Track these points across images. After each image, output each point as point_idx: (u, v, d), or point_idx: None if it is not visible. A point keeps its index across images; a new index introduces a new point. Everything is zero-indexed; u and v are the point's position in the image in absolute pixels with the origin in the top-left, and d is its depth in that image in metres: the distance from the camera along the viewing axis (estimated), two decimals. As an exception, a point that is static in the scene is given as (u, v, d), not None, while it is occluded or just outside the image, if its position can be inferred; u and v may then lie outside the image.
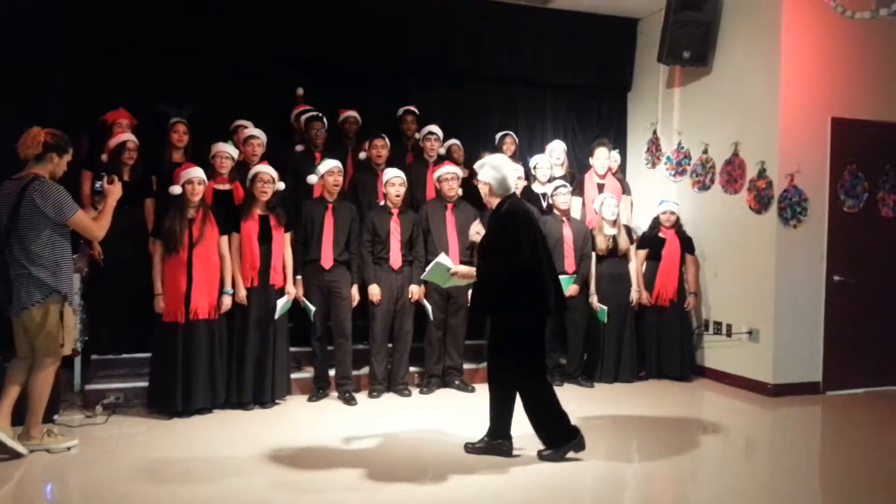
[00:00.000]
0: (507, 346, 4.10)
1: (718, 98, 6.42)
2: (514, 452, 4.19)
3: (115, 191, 4.24)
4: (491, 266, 4.08)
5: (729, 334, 6.20)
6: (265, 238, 5.08)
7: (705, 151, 6.54)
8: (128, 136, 5.32)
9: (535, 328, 4.09)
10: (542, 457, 4.13)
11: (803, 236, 5.87)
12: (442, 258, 4.40)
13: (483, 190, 4.21)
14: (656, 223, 6.36)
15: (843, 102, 5.94)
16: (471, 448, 4.26)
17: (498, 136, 6.71)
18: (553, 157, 6.51)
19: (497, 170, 4.12)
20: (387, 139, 5.98)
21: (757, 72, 6.00)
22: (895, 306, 6.17)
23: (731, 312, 6.18)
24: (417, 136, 6.46)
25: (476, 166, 4.33)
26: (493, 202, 4.17)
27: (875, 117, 6.02)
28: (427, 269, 4.52)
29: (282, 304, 5.09)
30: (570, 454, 4.12)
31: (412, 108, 6.57)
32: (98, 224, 4.18)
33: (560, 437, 4.11)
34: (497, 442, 4.22)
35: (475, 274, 4.22)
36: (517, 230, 3.99)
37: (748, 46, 6.11)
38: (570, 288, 5.78)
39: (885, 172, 6.12)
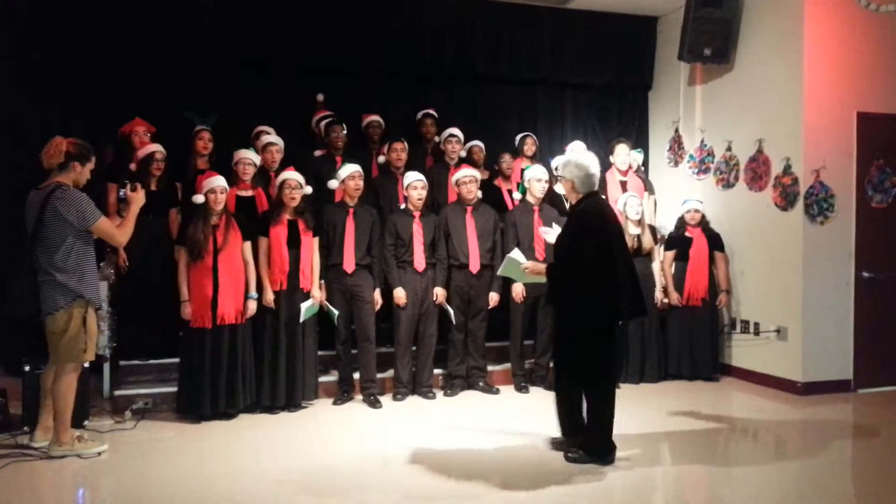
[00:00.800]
0: (573, 347, 4.07)
1: (741, 95, 6.35)
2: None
3: (138, 198, 4.30)
4: (560, 266, 4.09)
5: (757, 332, 6.12)
6: (294, 242, 5.12)
7: (729, 149, 6.48)
8: (156, 147, 5.40)
9: (602, 331, 4.03)
10: (568, 458, 4.11)
11: (830, 233, 5.79)
12: (514, 253, 4.46)
13: (565, 187, 4.21)
14: (681, 223, 6.31)
15: (868, 96, 5.85)
16: (569, 457, 4.14)
17: (518, 137, 6.70)
18: (573, 157, 6.48)
19: (580, 168, 4.09)
20: (405, 143, 6.00)
21: (780, 67, 5.93)
22: (927, 302, 6.06)
23: (759, 310, 6.10)
24: (437, 139, 6.47)
25: (560, 162, 4.28)
26: (574, 199, 4.16)
27: (902, 111, 5.93)
28: (501, 265, 4.58)
29: (306, 307, 5.12)
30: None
31: (431, 111, 6.58)
32: (121, 231, 4.24)
33: (597, 447, 4.07)
34: (571, 440, 4.20)
35: (544, 272, 4.19)
36: (586, 232, 3.97)
37: (770, 42, 6.04)
38: None
39: (913, 166, 6.02)
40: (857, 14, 5.47)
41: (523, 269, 4.31)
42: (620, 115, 7.52)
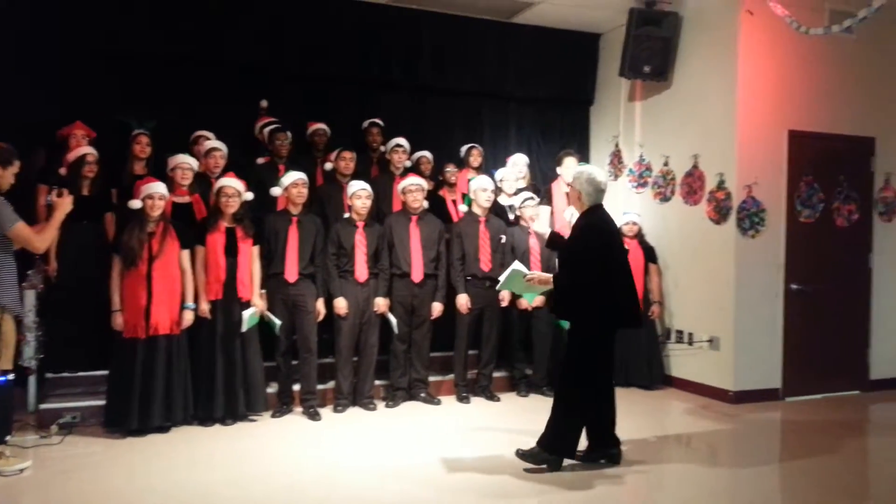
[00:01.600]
0: (574, 354, 4.19)
1: (678, 111, 6.54)
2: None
3: (63, 204, 4.15)
4: (563, 275, 4.21)
5: (691, 342, 6.29)
6: (232, 251, 5.02)
7: (666, 164, 6.65)
8: (87, 150, 5.22)
9: (597, 340, 4.15)
10: (519, 453, 4.19)
11: (761, 246, 6.00)
12: (517, 265, 4.52)
13: (573, 196, 4.35)
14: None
15: (799, 115, 6.10)
16: (520, 452, 4.24)
17: (464, 148, 6.74)
18: (515, 169, 6.56)
19: (592, 183, 4.22)
20: (354, 152, 5.97)
21: (715, 86, 6.13)
22: (850, 313, 6.34)
23: (693, 321, 6.27)
24: (383, 148, 6.45)
25: (574, 172, 4.42)
26: (579, 209, 4.30)
27: (830, 130, 6.20)
28: (502, 277, 4.60)
29: (248, 316, 5.02)
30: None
31: (378, 120, 6.56)
32: (40, 237, 4.07)
33: (559, 449, 4.16)
34: (599, 452, 4.30)
35: (552, 281, 4.28)
36: (589, 244, 4.12)
37: (707, 61, 6.24)
38: (535, 299, 5.82)
39: (839, 184, 6.29)
40: (789, 37, 5.70)
41: (528, 280, 4.37)
42: (563, 128, 7.65)
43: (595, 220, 4.21)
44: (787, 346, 6.05)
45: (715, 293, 6.06)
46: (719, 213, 6.05)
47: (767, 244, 6.01)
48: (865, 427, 5.66)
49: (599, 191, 4.25)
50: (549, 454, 4.15)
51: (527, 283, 4.42)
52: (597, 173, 4.29)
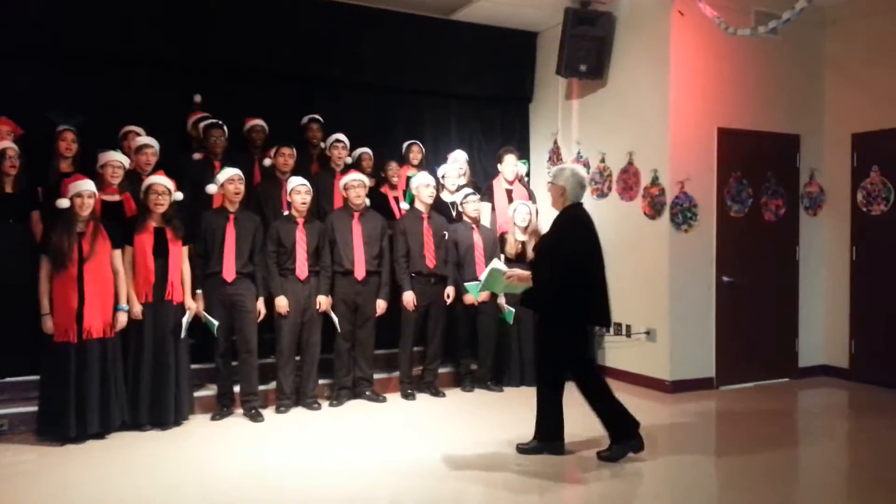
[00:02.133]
0: (547, 348, 4.34)
1: (614, 109, 6.68)
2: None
3: None
4: (543, 271, 4.25)
5: (629, 335, 6.44)
6: (161, 251, 4.88)
7: (603, 160, 6.79)
8: (7, 144, 5.00)
9: (571, 333, 4.25)
10: (520, 448, 4.42)
11: (694, 240, 6.19)
12: (496, 264, 4.51)
13: (554, 192, 4.35)
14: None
15: (728, 113, 6.31)
16: (523, 449, 4.44)
17: (405, 145, 6.74)
18: (456, 165, 6.59)
19: (576, 177, 4.31)
20: (294, 148, 5.89)
21: (649, 84, 6.29)
22: (779, 304, 6.60)
23: (630, 314, 6.42)
24: (323, 144, 6.38)
25: (555, 170, 4.43)
26: (560, 206, 4.33)
27: (757, 127, 6.44)
28: (482, 277, 4.58)
29: (185, 322, 4.91)
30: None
31: (317, 116, 6.49)
32: None
33: (551, 435, 4.38)
34: (545, 444, 4.42)
35: (529, 278, 4.32)
36: (573, 240, 4.20)
37: (640, 60, 6.40)
38: (480, 294, 5.86)
39: (767, 179, 6.55)
40: (719, 37, 5.89)
41: (507, 277, 4.37)
42: (503, 125, 7.73)
43: (578, 217, 4.29)
44: (719, 336, 6.26)
45: (651, 286, 6.22)
46: (654, 209, 6.21)
47: (700, 238, 6.21)
48: (794, 414, 5.90)
49: (583, 187, 4.35)
50: (546, 442, 4.37)
51: (506, 282, 4.41)
52: (580, 170, 4.41)
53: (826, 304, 6.77)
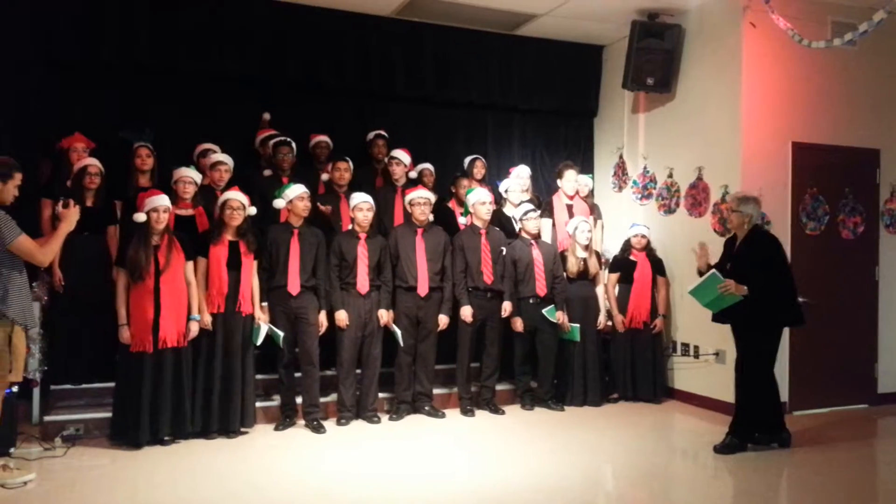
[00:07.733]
0: (762, 349, 4.84)
1: (682, 123, 6.54)
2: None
3: (69, 215, 4.13)
4: (758, 282, 4.70)
5: (696, 356, 6.25)
6: (234, 264, 5.03)
7: (670, 175, 6.65)
8: (90, 161, 5.25)
9: (776, 336, 4.88)
10: (717, 449, 4.85)
11: (767, 258, 5.96)
12: (716, 271, 4.79)
13: (740, 220, 4.89)
14: (627, 246, 6.42)
15: (803, 127, 6.09)
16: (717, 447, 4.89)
17: (468, 160, 6.75)
18: (520, 180, 6.55)
19: (758, 206, 4.97)
20: (350, 162, 5.98)
21: (719, 97, 6.13)
22: (857, 326, 6.30)
23: (698, 334, 6.23)
24: (387, 160, 6.46)
25: (739, 197, 4.95)
26: (744, 231, 4.91)
27: (834, 142, 6.18)
28: (699, 282, 4.88)
29: (262, 330, 5.07)
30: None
31: (383, 132, 6.57)
32: (43, 249, 4.04)
33: (744, 434, 4.90)
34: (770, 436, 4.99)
35: (746, 291, 4.72)
36: (776, 254, 4.84)
37: (710, 73, 6.25)
38: (556, 315, 5.83)
39: (844, 195, 6.27)
40: (792, 49, 5.69)
41: (721, 287, 4.71)
42: (567, 140, 7.66)
43: (767, 236, 4.98)
44: (793, 359, 6.00)
45: (720, 305, 6.01)
46: (724, 226, 6.02)
47: (772, 256, 5.98)
48: (873, 441, 5.60)
49: (760, 213, 5.09)
50: (733, 439, 4.86)
51: (720, 291, 4.71)
52: (758, 198, 4.98)
53: (908, 327, 6.42)
